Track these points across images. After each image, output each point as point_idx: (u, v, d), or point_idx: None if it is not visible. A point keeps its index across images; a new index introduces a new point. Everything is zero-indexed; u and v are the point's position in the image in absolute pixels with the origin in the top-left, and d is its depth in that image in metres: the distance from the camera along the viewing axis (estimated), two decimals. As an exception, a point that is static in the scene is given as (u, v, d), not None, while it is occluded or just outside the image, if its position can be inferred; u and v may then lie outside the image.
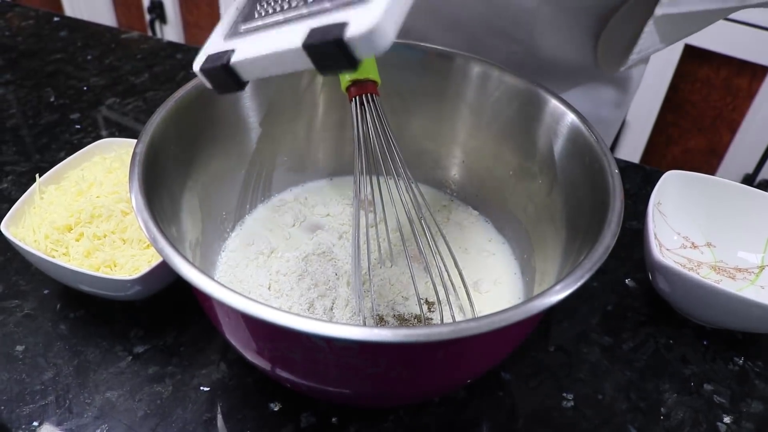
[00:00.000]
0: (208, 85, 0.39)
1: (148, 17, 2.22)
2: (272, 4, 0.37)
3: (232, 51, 0.37)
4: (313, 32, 0.32)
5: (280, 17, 0.36)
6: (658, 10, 0.56)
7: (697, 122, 1.64)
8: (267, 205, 0.63)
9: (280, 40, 0.34)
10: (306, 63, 0.33)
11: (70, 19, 1.10)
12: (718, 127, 1.62)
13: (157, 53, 1.00)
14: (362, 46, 0.30)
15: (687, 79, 1.58)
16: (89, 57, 0.98)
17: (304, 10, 0.35)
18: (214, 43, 0.40)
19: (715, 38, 1.43)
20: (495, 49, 0.70)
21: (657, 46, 0.60)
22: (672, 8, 0.55)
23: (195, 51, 1.00)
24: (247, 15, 0.39)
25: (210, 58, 0.38)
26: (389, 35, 0.30)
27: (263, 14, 0.38)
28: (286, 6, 0.36)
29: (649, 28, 0.57)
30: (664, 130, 1.68)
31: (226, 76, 0.37)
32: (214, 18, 2.12)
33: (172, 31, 2.24)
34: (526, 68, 0.71)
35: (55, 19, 1.09)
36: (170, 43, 1.03)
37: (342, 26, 0.30)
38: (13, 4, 1.14)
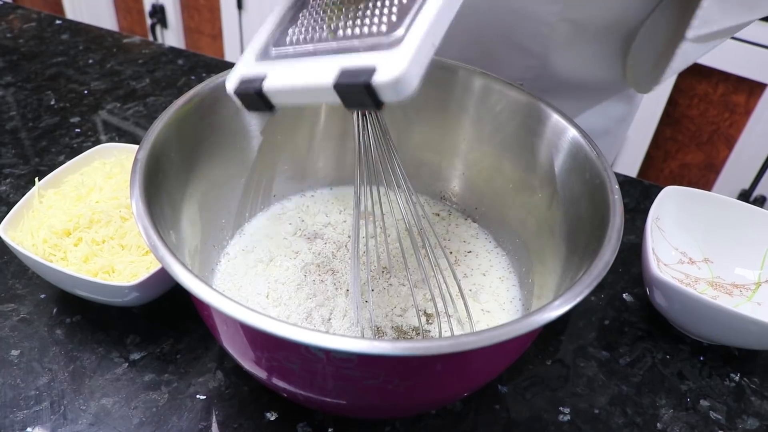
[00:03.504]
0: (239, 104, 0.41)
1: (149, 22, 2.22)
2: (303, 33, 0.39)
3: (265, 76, 0.39)
4: (344, 73, 0.34)
5: (310, 47, 0.38)
6: (690, 33, 0.56)
7: (694, 137, 1.65)
8: (267, 213, 0.63)
9: (311, 74, 0.36)
10: (334, 99, 0.35)
11: (71, 22, 1.10)
12: (715, 143, 1.63)
13: (159, 58, 1.00)
14: (388, 92, 0.33)
15: (685, 95, 1.59)
16: (90, 61, 0.99)
17: (334, 44, 0.37)
18: (247, 64, 0.41)
19: (714, 55, 1.43)
20: (510, 62, 0.70)
21: (688, 63, 0.61)
22: (703, 29, 0.56)
23: (197, 57, 1.00)
24: (278, 39, 0.41)
25: (243, 81, 0.40)
26: (414, 84, 0.33)
27: (294, 41, 0.40)
28: (317, 37, 0.38)
29: (681, 50, 0.58)
30: (662, 145, 1.69)
31: (258, 100, 0.39)
32: (215, 23, 2.13)
33: (173, 36, 2.24)
34: (541, 82, 0.71)
35: (57, 22, 1.09)
36: (172, 49, 1.03)
37: (371, 71, 0.33)
38: (16, 6, 1.14)
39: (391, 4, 0.36)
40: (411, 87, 0.33)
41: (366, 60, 0.34)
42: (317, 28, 0.39)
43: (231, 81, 0.41)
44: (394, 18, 0.35)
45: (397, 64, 0.32)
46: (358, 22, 0.37)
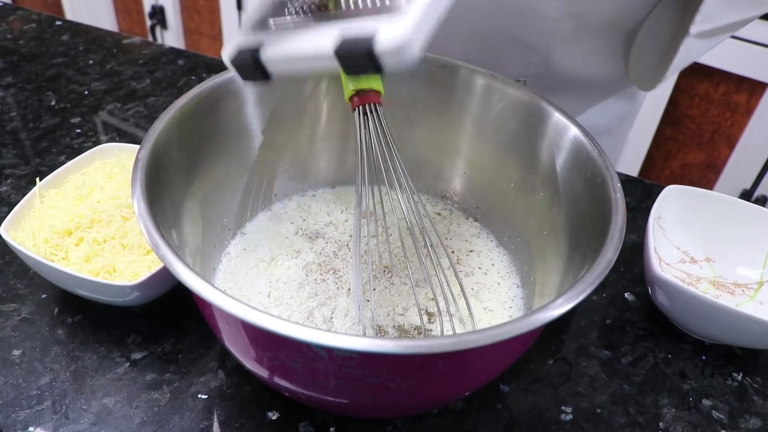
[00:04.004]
0: (236, 74, 0.41)
1: (149, 23, 2.22)
2: (302, 3, 0.39)
3: (262, 45, 0.38)
4: (345, 40, 0.34)
5: (310, 18, 0.38)
6: (693, 29, 0.56)
7: (695, 137, 1.65)
8: (268, 212, 0.63)
9: (311, 42, 0.36)
10: (334, 66, 0.35)
11: (71, 23, 1.10)
12: (716, 143, 1.63)
13: (159, 59, 1.00)
14: (390, 59, 0.32)
15: (686, 94, 1.59)
16: (90, 61, 0.99)
17: (335, 15, 0.36)
18: (245, 35, 0.41)
19: (715, 54, 1.43)
20: (513, 59, 0.70)
21: (691, 59, 0.61)
22: (706, 25, 0.56)
23: (197, 57, 1.00)
24: (276, 10, 0.40)
25: (240, 50, 0.39)
26: (416, 51, 0.32)
27: (293, 12, 0.39)
28: (315, 7, 0.38)
29: (684, 46, 0.58)
30: (663, 145, 1.69)
31: (255, 68, 0.39)
32: (215, 24, 2.13)
33: (172, 37, 2.24)
34: (544, 79, 0.71)
35: (57, 23, 1.09)
36: (172, 49, 1.03)
37: (372, 38, 0.32)
38: (16, 7, 1.14)
39: None
40: (413, 55, 0.32)
41: (367, 26, 0.33)
42: None
43: (227, 50, 0.40)
44: None
45: (400, 29, 0.32)
46: None
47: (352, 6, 0.36)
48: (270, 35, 0.39)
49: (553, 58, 0.70)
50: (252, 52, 0.38)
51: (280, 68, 0.38)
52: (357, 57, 0.33)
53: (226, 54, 0.40)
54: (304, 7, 0.39)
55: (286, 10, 0.40)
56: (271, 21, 0.40)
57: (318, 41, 0.35)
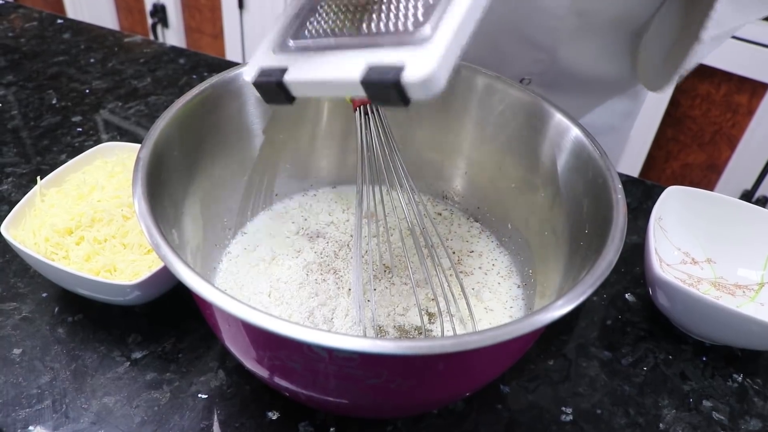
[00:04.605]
0: (258, 95, 0.41)
1: (150, 21, 2.22)
2: (324, 25, 0.39)
3: (286, 68, 0.39)
4: (372, 69, 0.34)
5: (332, 41, 0.38)
6: (705, 35, 0.56)
7: (696, 138, 1.64)
8: (269, 212, 0.63)
9: (336, 68, 0.36)
10: (359, 93, 0.35)
11: (73, 21, 1.10)
12: (717, 143, 1.63)
13: (160, 57, 1.00)
14: (417, 92, 0.33)
15: (687, 95, 1.58)
16: (92, 60, 0.98)
17: (357, 39, 0.37)
18: (265, 56, 0.41)
19: (716, 55, 1.43)
20: (519, 56, 0.70)
21: (699, 61, 0.61)
22: (717, 30, 0.56)
23: (198, 56, 1.00)
24: (297, 31, 0.41)
25: (263, 72, 0.40)
26: (442, 83, 0.32)
27: (314, 34, 0.40)
28: (338, 31, 0.38)
29: (695, 50, 0.58)
30: (664, 145, 1.69)
31: (278, 91, 0.39)
32: (216, 23, 2.13)
33: (173, 36, 2.24)
34: (549, 77, 0.71)
35: (59, 21, 1.09)
36: (173, 48, 1.03)
37: (400, 69, 0.32)
38: (17, 5, 1.14)
39: (417, 1, 0.35)
40: (439, 86, 0.32)
41: (393, 56, 0.34)
42: (339, 21, 0.39)
43: (250, 71, 0.41)
44: (420, 16, 0.35)
45: (426, 62, 0.32)
46: (383, 17, 0.37)
47: (374, 30, 0.37)
48: (292, 58, 0.39)
49: (558, 56, 0.69)
50: (276, 76, 0.38)
51: (303, 92, 0.39)
52: (384, 88, 0.33)
53: (249, 76, 0.40)
54: (326, 29, 0.39)
55: (306, 31, 0.40)
56: (292, 43, 0.40)
57: (344, 69, 0.35)
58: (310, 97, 0.39)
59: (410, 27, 0.35)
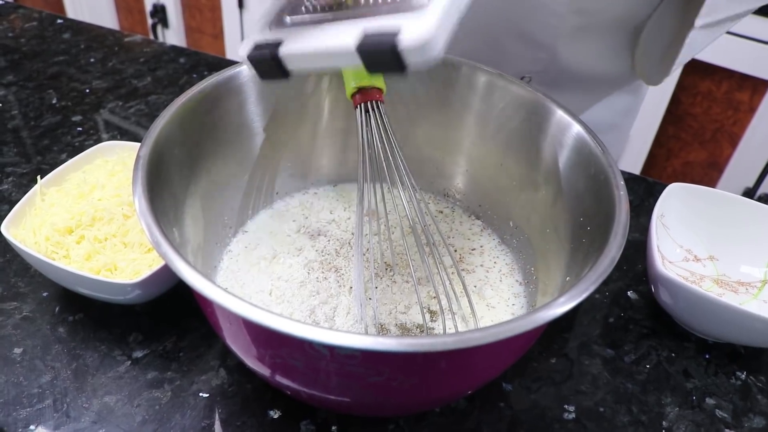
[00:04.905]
0: (253, 71, 0.40)
1: (150, 21, 2.22)
2: (320, 0, 0.39)
3: (281, 42, 0.38)
4: (368, 36, 0.33)
5: (329, 15, 0.37)
6: (699, 21, 0.56)
7: (698, 135, 1.64)
8: (270, 210, 0.63)
9: (332, 38, 0.36)
10: (356, 62, 0.34)
11: (73, 21, 1.10)
12: (718, 141, 1.62)
13: (160, 57, 1.00)
14: (414, 56, 0.32)
15: (688, 92, 1.58)
16: (92, 59, 0.98)
17: (354, 11, 0.36)
18: (260, 31, 0.40)
19: (717, 52, 1.43)
20: (519, 55, 0.70)
21: (695, 52, 0.61)
22: (711, 17, 0.56)
23: (198, 56, 1.00)
24: (294, 7, 0.40)
25: (258, 47, 0.39)
26: (440, 47, 0.32)
27: (311, 9, 0.39)
28: (335, 4, 0.37)
29: (689, 39, 0.58)
30: (665, 143, 1.69)
31: (273, 65, 0.38)
32: (217, 23, 2.13)
33: (173, 36, 2.24)
34: (549, 75, 0.71)
35: (59, 21, 1.09)
36: (173, 47, 1.03)
37: (396, 35, 0.32)
38: (17, 5, 1.14)
39: None
40: (437, 50, 0.32)
41: (390, 22, 0.33)
42: None
43: (245, 46, 0.40)
44: None
45: (423, 26, 0.32)
46: None
47: (371, 1, 0.36)
48: (288, 32, 0.39)
49: (559, 54, 0.69)
50: (270, 49, 0.38)
51: (299, 65, 0.38)
52: (380, 53, 0.33)
53: (243, 50, 0.40)
54: (322, 3, 0.38)
55: (303, 7, 0.39)
56: (288, 18, 0.40)
57: (339, 37, 0.35)
58: (307, 72, 0.38)
59: None
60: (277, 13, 0.41)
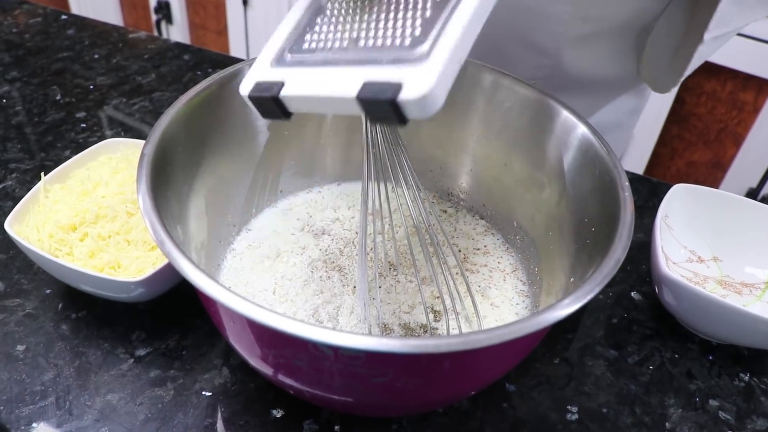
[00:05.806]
0: (254, 109, 0.40)
1: (154, 18, 2.22)
2: (322, 40, 0.39)
3: (282, 83, 0.38)
4: (368, 86, 0.33)
5: (329, 55, 0.38)
6: (707, 35, 0.56)
7: (702, 135, 1.64)
8: (274, 209, 0.63)
9: (332, 84, 0.36)
10: (355, 111, 0.34)
11: (77, 17, 1.10)
12: (722, 141, 1.62)
13: (165, 53, 1.00)
14: (415, 110, 0.32)
15: (693, 92, 1.58)
16: (96, 56, 0.98)
17: (355, 54, 0.36)
18: (262, 69, 0.40)
19: (722, 52, 1.42)
20: (523, 61, 0.70)
21: (703, 60, 0.60)
22: (720, 30, 0.56)
23: (202, 53, 1.00)
24: (294, 44, 0.40)
25: (258, 86, 0.39)
26: (440, 102, 0.32)
27: (312, 48, 0.39)
28: (336, 46, 0.38)
29: (699, 51, 0.58)
30: (669, 143, 1.68)
31: (274, 106, 0.38)
32: (221, 20, 2.13)
33: (178, 32, 2.24)
34: (554, 81, 0.70)
35: (63, 17, 1.09)
36: (177, 44, 1.03)
37: (397, 87, 0.32)
38: (21, 1, 1.14)
39: (415, 17, 0.35)
40: (437, 105, 0.32)
41: (391, 74, 0.33)
42: (336, 36, 0.38)
43: (246, 85, 0.40)
44: (418, 32, 0.34)
45: (424, 81, 0.32)
46: (380, 33, 0.36)
47: (372, 45, 0.36)
48: (289, 72, 0.39)
49: (563, 61, 0.69)
50: (272, 90, 0.38)
51: (299, 107, 0.38)
52: (381, 105, 0.33)
53: (245, 89, 0.40)
54: (324, 43, 0.39)
55: (304, 45, 0.40)
56: (289, 56, 0.40)
57: (341, 84, 0.35)
58: (307, 112, 0.39)
59: (408, 43, 0.34)
60: (279, 50, 0.41)
